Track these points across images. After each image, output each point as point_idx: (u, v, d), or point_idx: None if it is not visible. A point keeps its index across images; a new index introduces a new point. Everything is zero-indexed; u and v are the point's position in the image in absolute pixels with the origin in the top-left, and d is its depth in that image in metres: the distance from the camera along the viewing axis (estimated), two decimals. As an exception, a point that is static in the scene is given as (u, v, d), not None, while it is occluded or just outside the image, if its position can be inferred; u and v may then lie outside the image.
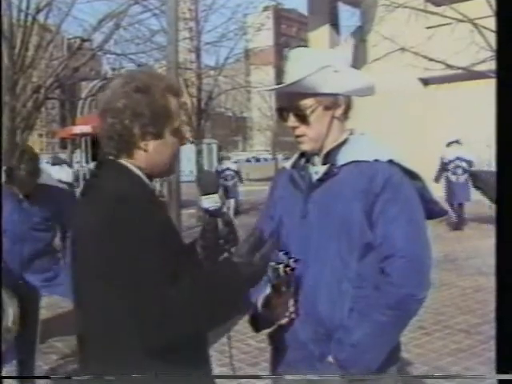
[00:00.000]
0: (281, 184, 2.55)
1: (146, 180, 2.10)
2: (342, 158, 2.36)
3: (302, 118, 2.34)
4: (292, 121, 2.36)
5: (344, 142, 2.41)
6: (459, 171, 14.22)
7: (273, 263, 2.19)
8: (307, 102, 2.32)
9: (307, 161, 2.48)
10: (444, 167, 14.41)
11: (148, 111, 2.03)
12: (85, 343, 2.04)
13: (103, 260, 1.88)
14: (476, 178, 2.12)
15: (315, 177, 2.40)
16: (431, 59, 14.10)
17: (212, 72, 20.93)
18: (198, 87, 19.76)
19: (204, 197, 2.25)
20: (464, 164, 14.24)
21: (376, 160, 2.30)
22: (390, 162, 2.31)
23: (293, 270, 2.20)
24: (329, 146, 2.40)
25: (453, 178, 14.27)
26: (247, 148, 73.41)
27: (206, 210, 2.24)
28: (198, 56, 20.02)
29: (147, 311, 1.83)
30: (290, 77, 2.33)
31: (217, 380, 2.19)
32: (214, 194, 2.24)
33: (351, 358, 2.20)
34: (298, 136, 2.39)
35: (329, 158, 2.39)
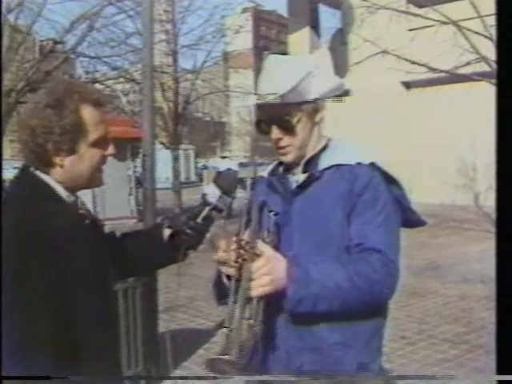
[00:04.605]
0: (260, 192, 2.52)
1: (63, 193, 2.14)
2: (323, 163, 2.36)
3: (288, 129, 2.33)
4: (276, 133, 2.34)
5: (323, 149, 2.41)
6: None
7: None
8: (293, 112, 2.32)
9: (286, 169, 2.47)
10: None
11: (58, 128, 2.04)
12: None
13: None
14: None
15: (296, 184, 2.39)
16: (414, 62, 14.16)
17: (189, 76, 20.91)
18: (175, 91, 19.71)
19: (213, 184, 2.32)
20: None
21: (358, 163, 2.31)
22: (372, 164, 2.32)
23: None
24: (309, 153, 2.40)
25: None
26: (225, 153, 73.28)
27: (203, 195, 2.33)
28: (175, 59, 19.98)
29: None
30: (270, 87, 2.30)
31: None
32: (222, 190, 2.34)
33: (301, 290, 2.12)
34: (282, 147, 2.37)
35: (309, 165, 2.40)
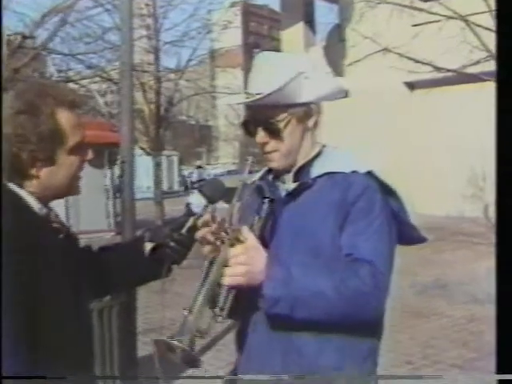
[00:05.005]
0: (245, 199, 2.51)
1: (35, 205, 2.12)
2: (316, 171, 2.38)
3: (274, 133, 2.33)
4: (261, 136, 2.35)
5: (316, 156, 2.43)
6: None
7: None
8: (280, 115, 2.32)
9: (275, 177, 2.48)
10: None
11: (34, 136, 2.02)
12: None
13: None
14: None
15: (285, 193, 2.40)
16: (418, 61, 14.17)
17: (172, 75, 20.90)
18: (157, 92, 19.72)
19: (198, 193, 2.32)
20: None
21: (353, 172, 2.32)
22: (368, 173, 2.33)
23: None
24: (300, 161, 2.41)
25: None
26: (212, 160, 73.24)
27: (187, 204, 2.37)
28: (157, 57, 20.00)
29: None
30: (258, 86, 2.32)
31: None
32: (208, 200, 2.32)
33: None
34: (267, 152, 2.39)
35: (300, 174, 2.41)
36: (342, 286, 2.12)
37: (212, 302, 2.16)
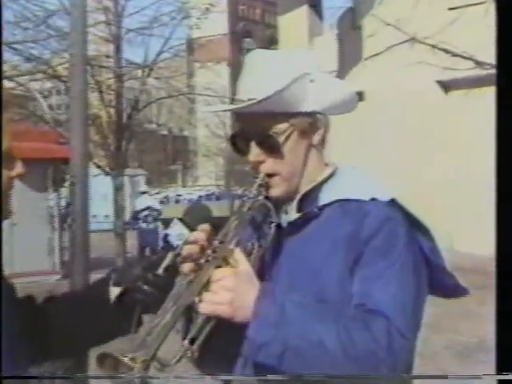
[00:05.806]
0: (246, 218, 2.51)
1: None
2: (325, 197, 2.38)
3: (272, 148, 2.34)
4: (256, 153, 2.36)
5: (326, 180, 2.45)
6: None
7: None
8: (279, 126, 2.32)
9: (274, 204, 2.45)
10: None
11: None
12: None
13: None
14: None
15: (286, 223, 2.40)
16: (455, 54, 14.22)
17: (138, 72, 20.94)
18: (118, 93, 19.72)
19: (179, 222, 2.27)
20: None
21: (372, 199, 2.30)
22: (392, 202, 2.31)
23: None
24: (305, 187, 2.42)
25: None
26: (189, 181, 73.45)
27: (165, 236, 2.29)
28: (118, 48, 20.02)
29: None
30: (251, 90, 2.33)
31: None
32: (192, 230, 2.27)
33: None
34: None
35: (306, 202, 2.41)
36: (347, 338, 2.09)
37: (184, 331, 2.19)
